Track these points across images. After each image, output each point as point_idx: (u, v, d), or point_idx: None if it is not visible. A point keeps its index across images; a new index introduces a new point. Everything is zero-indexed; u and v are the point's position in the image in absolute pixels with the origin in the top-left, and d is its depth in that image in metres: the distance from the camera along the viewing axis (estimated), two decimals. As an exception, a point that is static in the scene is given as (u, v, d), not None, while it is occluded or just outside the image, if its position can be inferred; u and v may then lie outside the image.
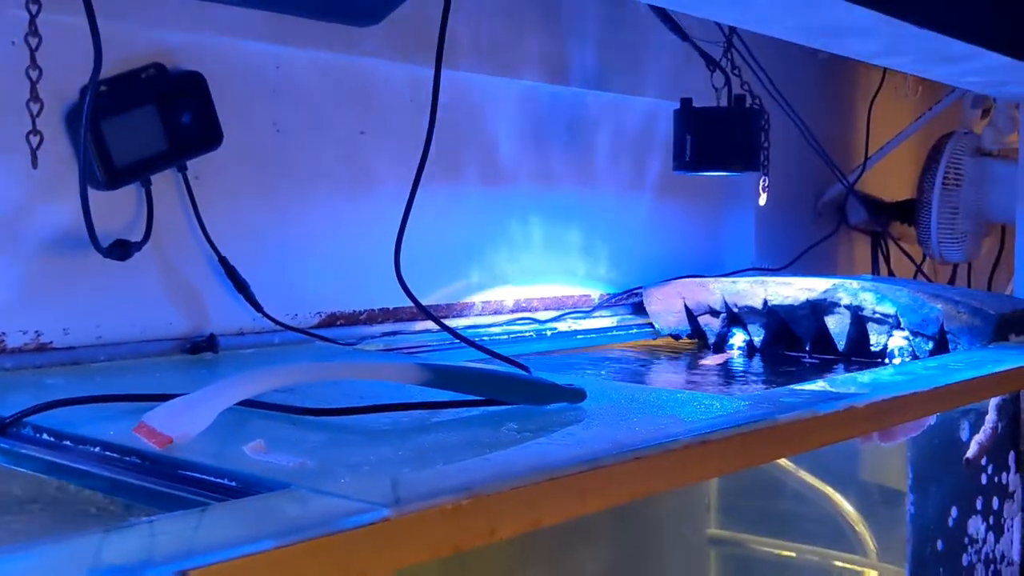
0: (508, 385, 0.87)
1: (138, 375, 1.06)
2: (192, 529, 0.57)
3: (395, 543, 0.58)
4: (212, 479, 0.68)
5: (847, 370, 1.42)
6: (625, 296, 1.67)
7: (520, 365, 1.07)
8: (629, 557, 1.40)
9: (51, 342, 1.06)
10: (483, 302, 1.49)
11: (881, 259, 2.19)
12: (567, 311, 1.57)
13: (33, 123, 0.84)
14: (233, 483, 0.66)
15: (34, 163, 0.84)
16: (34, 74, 0.85)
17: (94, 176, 1.04)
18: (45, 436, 0.79)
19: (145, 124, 1.08)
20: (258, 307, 1.21)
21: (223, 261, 1.18)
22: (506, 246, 1.52)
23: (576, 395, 0.88)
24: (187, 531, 0.57)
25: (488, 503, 0.62)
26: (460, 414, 0.84)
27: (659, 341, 1.63)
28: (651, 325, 1.63)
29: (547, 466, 0.68)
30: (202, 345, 1.17)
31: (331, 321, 1.31)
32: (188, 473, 0.69)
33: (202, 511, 0.61)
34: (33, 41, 0.84)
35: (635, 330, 1.63)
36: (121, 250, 1.06)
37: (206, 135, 1.14)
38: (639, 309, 1.66)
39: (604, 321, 1.61)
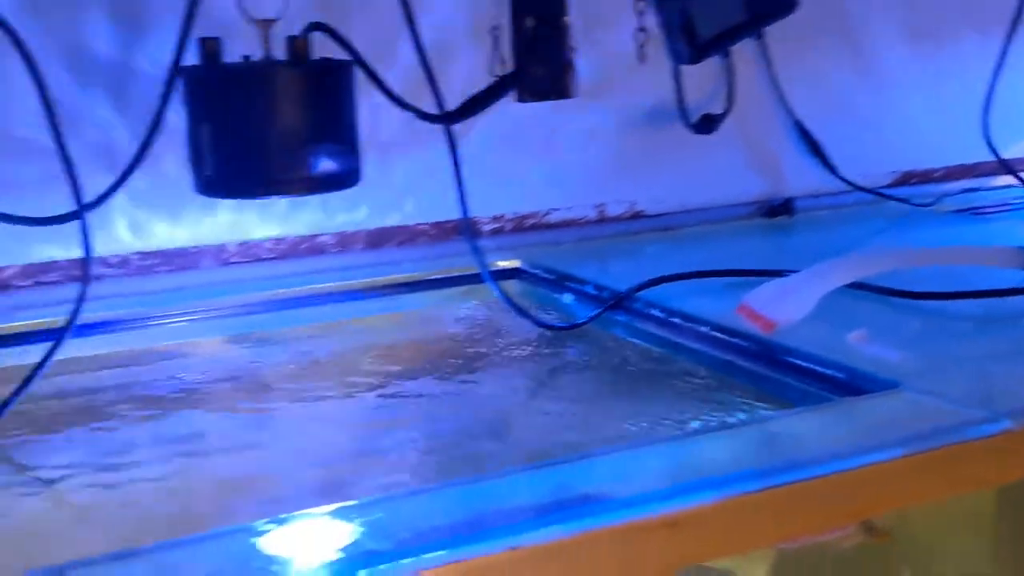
0: None
1: (721, 241, 1.12)
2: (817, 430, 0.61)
3: (1014, 459, 0.58)
4: (818, 369, 0.71)
5: None
6: None
7: None
8: None
9: (644, 210, 1.15)
10: (1074, 153, 1.36)
11: None
12: None
13: (639, 20, 0.91)
14: (841, 375, 0.69)
15: (641, 57, 0.91)
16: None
17: (681, 52, 1.08)
18: (655, 311, 0.87)
19: (725, -4, 1.11)
20: (832, 168, 1.21)
21: (798, 124, 1.19)
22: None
23: None
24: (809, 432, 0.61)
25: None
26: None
27: None
28: None
29: None
30: (778, 209, 1.20)
31: (904, 179, 1.28)
32: (793, 360, 0.73)
33: (813, 410, 0.65)
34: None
35: None
36: (707, 124, 1.11)
37: (782, 1, 1.14)
38: None
39: None
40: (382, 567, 0.46)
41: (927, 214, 1.21)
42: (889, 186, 1.27)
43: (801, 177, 1.22)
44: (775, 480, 0.53)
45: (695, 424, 0.71)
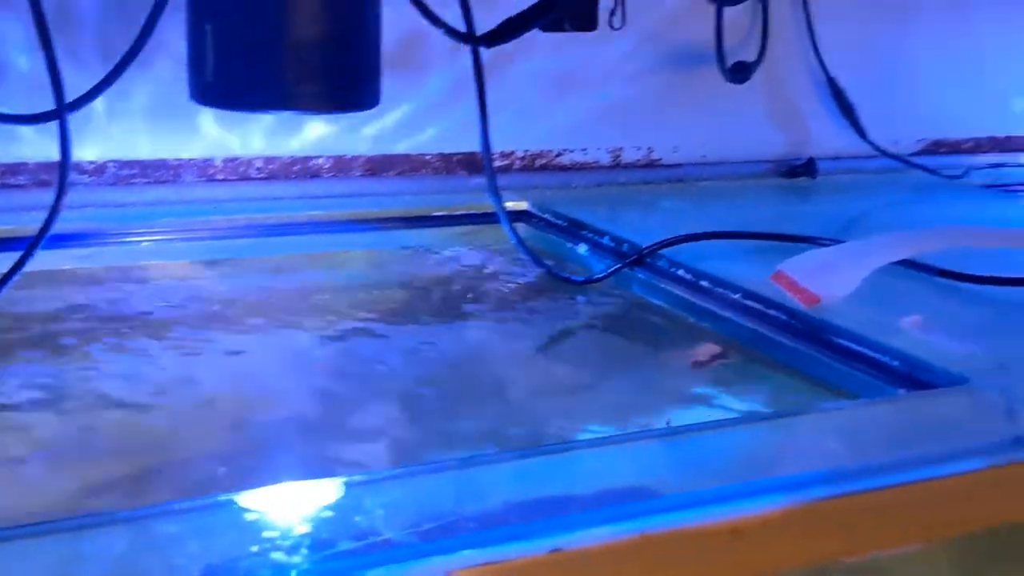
0: None
1: (740, 199, 1.05)
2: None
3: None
4: (870, 354, 0.64)
5: None
6: None
7: None
8: None
9: (661, 159, 1.07)
10: (1106, 135, 1.30)
11: None
12: None
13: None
14: (896, 363, 0.62)
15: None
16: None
17: (719, -8, 1.01)
18: (681, 272, 0.79)
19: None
20: (862, 133, 1.14)
21: (832, 82, 1.12)
22: None
23: None
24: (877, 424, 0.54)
25: None
26: None
27: None
28: None
29: None
30: (799, 169, 1.13)
31: (933, 149, 1.21)
32: (841, 341, 0.66)
33: (879, 403, 0.59)
34: None
35: None
36: (741, 72, 1.03)
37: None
38: None
39: None
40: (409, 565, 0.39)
41: (955, 186, 1.14)
42: (915, 154, 1.20)
43: (826, 138, 1.14)
44: (850, 486, 0.46)
45: (733, 405, 0.64)
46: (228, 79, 0.61)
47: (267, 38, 0.59)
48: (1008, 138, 1.24)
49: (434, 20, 0.69)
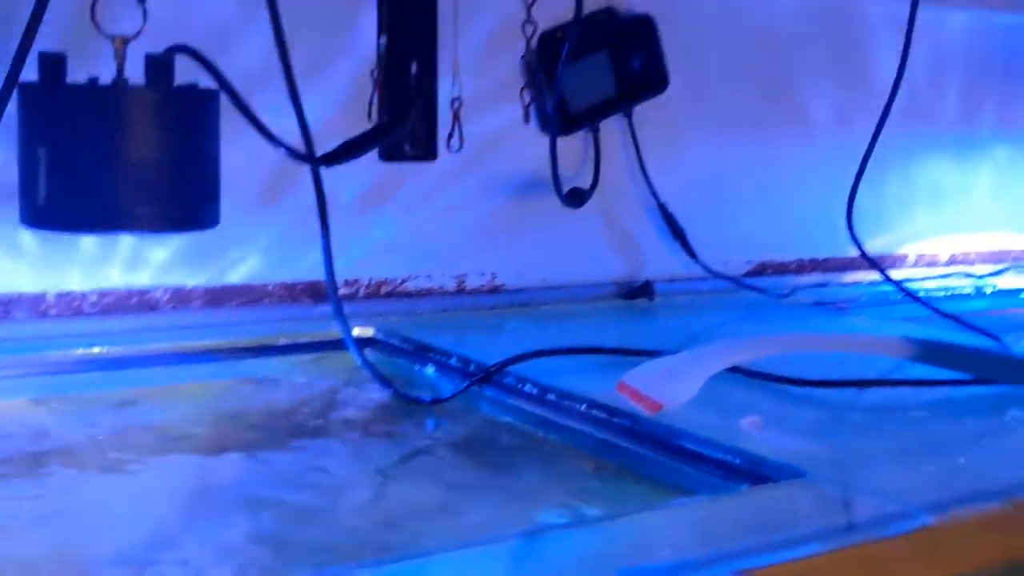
0: (1004, 365, 0.80)
1: (582, 320, 1.08)
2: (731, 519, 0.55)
3: (935, 557, 0.54)
4: (713, 454, 0.66)
5: None
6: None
7: (990, 335, 0.98)
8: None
9: (503, 284, 1.09)
10: (917, 255, 1.39)
11: None
12: (1008, 265, 1.44)
13: (529, 79, 0.86)
14: (737, 461, 0.64)
15: (526, 118, 0.86)
16: (528, 30, 0.86)
17: (551, 123, 1.04)
18: (528, 387, 0.80)
19: (598, 70, 1.08)
20: (693, 255, 1.19)
21: (662, 208, 1.17)
22: (940, 193, 1.41)
23: (1080, 380, 0.79)
24: (722, 521, 0.55)
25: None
26: (953, 393, 0.78)
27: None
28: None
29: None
30: (637, 291, 1.16)
31: (760, 270, 1.27)
32: (685, 444, 0.68)
33: (723, 497, 0.60)
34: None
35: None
36: (577, 198, 1.06)
37: (654, 79, 1.12)
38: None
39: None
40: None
41: (783, 305, 1.20)
42: (745, 275, 1.25)
43: (660, 261, 1.19)
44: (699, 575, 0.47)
45: (585, 510, 0.65)
46: (62, 201, 0.60)
47: (102, 159, 0.59)
48: (828, 259, 1.31)
49: (274, 140, 0.70)
